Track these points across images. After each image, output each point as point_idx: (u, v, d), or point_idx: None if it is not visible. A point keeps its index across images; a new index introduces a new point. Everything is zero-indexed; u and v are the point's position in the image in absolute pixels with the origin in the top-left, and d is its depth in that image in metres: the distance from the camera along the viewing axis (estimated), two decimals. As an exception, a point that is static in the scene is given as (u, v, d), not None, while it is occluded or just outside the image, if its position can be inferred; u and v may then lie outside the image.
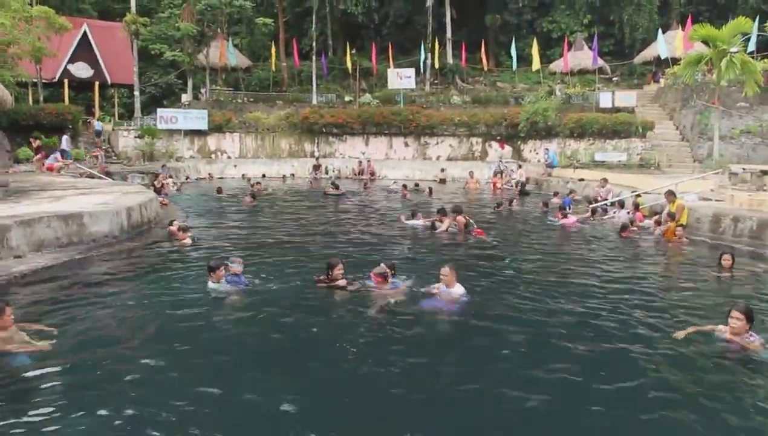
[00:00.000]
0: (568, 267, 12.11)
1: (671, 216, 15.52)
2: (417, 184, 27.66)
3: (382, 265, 9.69)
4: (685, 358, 6.94)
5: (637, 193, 20.03)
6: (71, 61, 39.08)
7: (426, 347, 7.45)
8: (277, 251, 13.30)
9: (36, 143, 29.53)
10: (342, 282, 9.45)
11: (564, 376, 6.42)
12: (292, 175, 34.92)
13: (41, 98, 36.81)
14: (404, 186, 26.33)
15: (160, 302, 9.01)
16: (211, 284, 9.51)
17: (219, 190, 25.22)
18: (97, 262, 11.63)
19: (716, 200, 17.76)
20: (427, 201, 23.93)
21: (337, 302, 9.14)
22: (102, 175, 26.22)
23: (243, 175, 33.65)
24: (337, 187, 25.05)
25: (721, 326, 7.31)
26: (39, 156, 27.96)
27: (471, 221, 15.76)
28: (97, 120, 38.30)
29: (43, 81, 36.92)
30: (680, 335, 7.40)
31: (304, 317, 8.41)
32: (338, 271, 9.50)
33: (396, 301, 9.08)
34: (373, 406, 5.92)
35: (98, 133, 36.39)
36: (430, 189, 26.38)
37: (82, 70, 39.73)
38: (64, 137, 31.84)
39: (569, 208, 19.66)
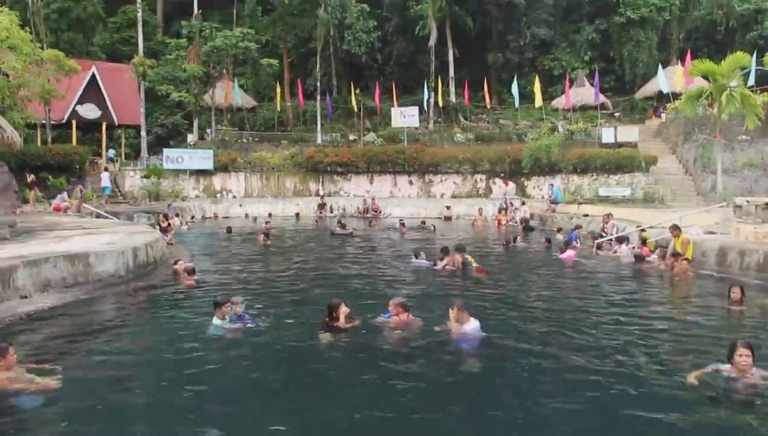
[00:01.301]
0: (574, 303, 12.06)
1: (676, 253, 15.48)
2: (423, 222, 27.69)
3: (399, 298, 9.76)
4: (694, 399, 6.86)
5: (642, 227, 20.02)
6: (80, 102, 39.52)
7: (440, 384, 7.40)
8: (283, 291, 13.29)
9: (30, 178, 28.82)
10: (342, 323, 9.39)
11: (573, 412, 6.40)
12: (297, 214, 34.98)
13: (49, 139, 37.20)
14: (401, 224, 26.37)
15: (165, 343, 9.02)
16: (215, 321, 9.53)
17: (229, 230, 25.01)
18: (103, 302, 11.66)
19: (722, 234, 17.74)
20: (430, 239, 23.91)
21: (344, 340, 9.12)
22: (107, 215, 26.36)
23: (246, 214, 33.76)
24: (344, 226, 25.01)
25: (721, 366, 7.11)
26: (32, 192, 27.70)
27: (470, 259, 15.63)
28: (105, 171, 38.47)
29: (52, 122, 37.34)
30: (691, 378, 7.14)
31: (310, 357, 8.41)
32: (341, 312, 9.46)
33: (408, 336, 9.09)
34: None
35: (111, 160, 36.71)
36: (434, 227, 26.40)
37: (90, 112, 40.16)
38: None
39: (577, 243, 19.66)
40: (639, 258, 16.46)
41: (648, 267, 16.07)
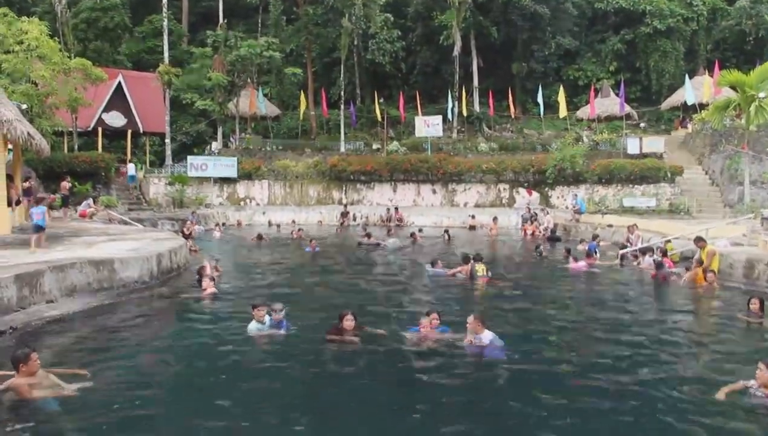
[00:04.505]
0: (597, 314, 11.95)
1: (700, 262, 15.30)
2: (446, 231, 27.59)
3: (433, 314, 9.81)
4: (718, 413, 6.74)
5: (667, 239, 19.79)
6: (106, 110, 40.01)
7: (457, 393, 7.36)
8: (309, 299, 13.31)
9: (27, 184, 24.46)
10: (346, 332, 9.43)
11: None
12: (320, 221, 35.06)
13: (76, 146, 37.66)
14: (412, 233, 26.36)
15: (189, 348, 9.06)
16: (252, 324, 9.71)
17: (259, 237, 25.13)
18: (127, 307, 11.76)
19: (749, 245, 17.48)
20: (446, 248, 23.89)
21: (363, 349, 9.10)
22: (132, 222, 26.59)
23: (270, 222, 33.89)
24: (369, 236, 24.94)
25: (752, 381, 7.04)
26: (26, 201, 22.98)
27: (478, 269, 15.74)
28: (129, 162, 39.13)
29: (78, 130, 37.80)
30: (720, 396, 7.04)
31: (326, 364, 8.41)
32: (347, 322, 9.49)
33: (427, 347, 9.10)
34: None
35: (132, 178, 37.11)
36: (448, 236, 26.28)
37: (116, 119, 40.63)
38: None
39: (596, 253, 19.50)
40: (659, 265, 16.23)
41: (673, 279, 15.85)
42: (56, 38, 33.34)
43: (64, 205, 27.05)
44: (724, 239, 18.48)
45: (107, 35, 48.07)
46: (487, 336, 9.14)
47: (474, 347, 9.02)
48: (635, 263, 18.55)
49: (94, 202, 29.67)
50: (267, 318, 9.80)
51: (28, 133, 18.32)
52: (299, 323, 10.29)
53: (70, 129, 36.53)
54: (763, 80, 25.64)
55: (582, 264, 17.83)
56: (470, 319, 9.25)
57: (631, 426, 6.38)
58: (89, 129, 39.74)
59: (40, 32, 29.47)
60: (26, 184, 25.85)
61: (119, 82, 40.04)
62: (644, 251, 18.55)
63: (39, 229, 15.15)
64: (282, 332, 9.70)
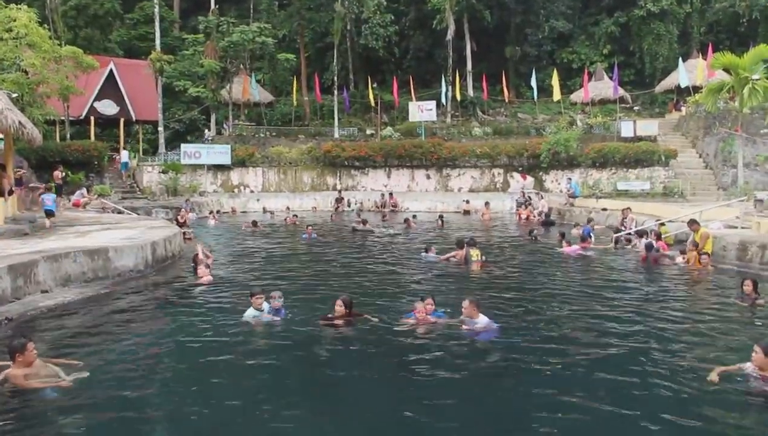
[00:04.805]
0: (592, 297, 11.99)
1: (695, 245, 15.38)
2: (441, 216, 27.61)
3: (427, 299, 9.84)
4: (713, 397, 6.76)
5: (660, 221, 19.84)
6: (98, 98, 39.78)
7: (453, 377, 7.39)
8: (303, 286, 13.30)
9: (18, 173, 23.34)
10: (338, 317, 9.51)
11: (586, 411, 6.36)
12: (314, 208, 35.03)
13: (68, 135, 37.48)
14: (406, 219, 26.55)
15: (185, 336, 9.06)
16: (249, 312, 9.74)
17: (254, 224, 25.16)
18: (123, 296, 11.75)
19: (742, 228, 17.55)
20: (439, 233, 24.00)
21: (359, 335, 9.13)
22: (126, 211, 26.53)
23: (264, 209, 33.83)
24: (364, 222, 24.94)
25: (748, 364, 7.07)
26: (18, 191, 22.05)
27: (473, 253, 15.91)
28: (123, 149, 39.15)
29: (70, 118, 37.61)
30: (713, 377, 7.05)
31: (326, 353, 8.44)
32: (338, 308, 9.55)
33: (422, 332, 9.14)
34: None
35: (125, 166, 37.01)
36: (441, 221, 26.32)
37: (108, 108, 40.42)
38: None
39: (591, 237, 19.57)
40: (649, 247, 16.30)
41: (666, 263, 15.90)
42: (46, 26, 33.04)
43: (58, 195, 26.94)
44: (717, 221, 18.56)
45: (97, 22, 47.74)
46: (482, 320, 9.21)
47: (469, 332, 9.07)
48: (630, 246, 18.63)
49: (88, 191, 29.58)
50: (266, 306, 9.81)
51: (20, 122, 18.16)
52: (296, 309, 10.31)
53: (62, 118, 36.37)
54: (756, 62, 25.61)
55: (575, 248, 17.91)
56: (465, 303, 9.31)
57: (624, 406, 6.41)
58: (81, 118, 39.56)
59: (29, 19, 29.20)
60: (18, 174, 25.54)
61: (111, 70, 39.80)
62: (641, 234, 18.59)
63: (50, 214, 17.33)
64: (279, 319, 9.72)
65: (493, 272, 15.07)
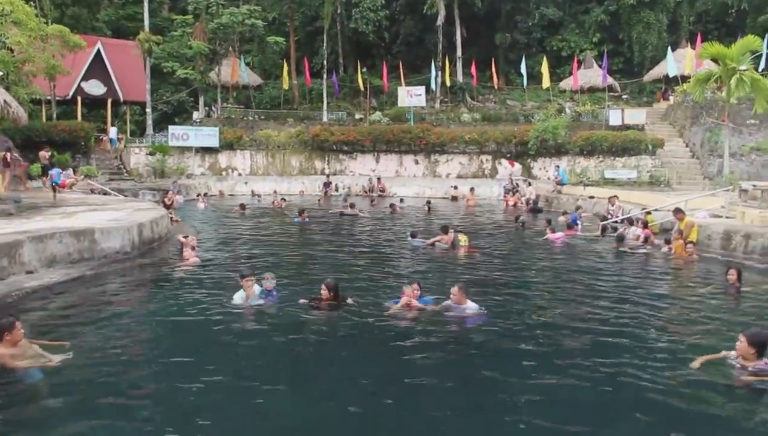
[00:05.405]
0: (576, 284, 12.08)
1: (680, 233, 15.51)
2: (428, 202, 27.64)
3: (414, 284, 9.83)
4: (696, 384, 6.83)
5: (646, 210, 19.97)
6: (85, 78, 39.43)
7: (441, 364, 7.44)
8: (291, 270, 13.31)
9: (8, 155, 22.74)
10: (324, 305, 9.53)
11: (572, 398, 6.43)
12: (301, 192, 34.96)
13: (54, 115, 37.16)
14: (391, 204, 26.60)
15: (171, 318, 9.07)
16: (238, 294, 9.73)
17: (242, 207, 25.07)
18: (109, 278, 11.72)
19: (727, 217, 17.70)
20: (426, 219, 24.14)
21: (343, 319, 9.17)
22: (112, 192, 26.39)
23: (252, 192, 33.75)
24: (352, 206, 24.94)
25: (732, 352, 7.10)
26: (5, 171, 21.95)
27: (461, 238, 16.00)
28: (112, 126, 39.18)
29: (57, 98, 37.29)
30: (696, 364, 7.14)
31: (312, 335, 8.48)
32: (323, 292, 9.57)
33: (410, 317, 9.18)
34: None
35: (113, 142, 36.90)
36: (429, 206, 26.40)
37: (95, 88, 40.08)
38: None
39: (578, 224, 19.70)
40: (620, 239, 16.59)
41: (640, 254, 16.03)
42: (32, 3, 32.63)
43: (44, 175, 26.75)
44: (702, 210, 18.68)
45: (85, 1, 47.26)
46: (470, 306, 9.27)
47: (456, 317, 9.12)
48: (616, 234, 18.74)
49: (74, 172, 29.38)
50: (257, 288, 9.80)
51: (5, 101, 17.96)
52: (284, 292, 10.31)
53: (48, 97, 36.06)
54: (743, 53, 25.78)
55: (560, 235, 18.03)
56: (455, 290, 9.33)
57: (606, 392, 6.51)
58: (68, 97, 39.22)
59: (15, -4, 28.84)
60: (6, 156, 25.42)
61: (98, 50, 39.42)
62: (630, 222, 18.72)
63: (56, 186, 21.89)
64: (265, 301, 9.71)
65: (479, 257, 15.14)
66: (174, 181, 32.37)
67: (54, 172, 23.42)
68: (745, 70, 25.33)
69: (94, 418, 5.68)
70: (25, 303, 9.58)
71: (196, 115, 44.23)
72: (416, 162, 38.71)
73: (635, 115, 37.50)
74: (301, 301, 9.66)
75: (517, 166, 36.87)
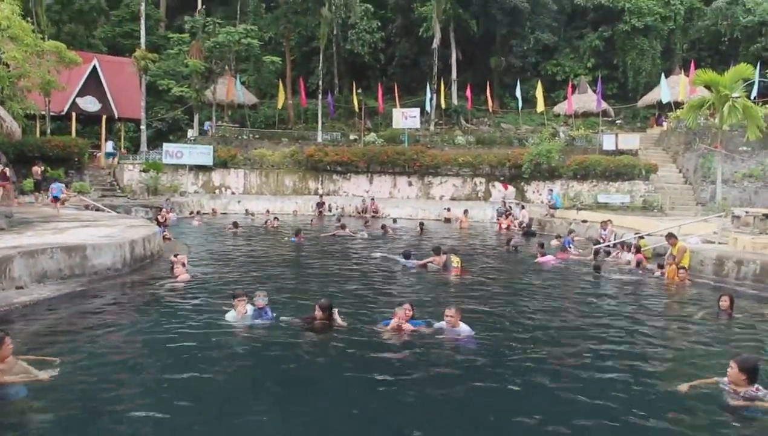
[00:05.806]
0: (568, 310, 12.04)
1: (673, 258, 15.53)
2: (421, 224, 27.64)
3: (406, 305, 9.73)
4: (686, 410, 6.79)
5: (639, 235, 20.01)
6: (80, 94, 39.36)
7: (432, 383, 7.39)
8: (281, 289, 13.24)
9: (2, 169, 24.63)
10: (318, 324, 9.48)
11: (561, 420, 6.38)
12: (295, 212, 34.88)
13: (48, 131, 37.08)
14: (383, 226, 26.66)
15: (161, 336, 8.98)
16: (230, 314, 9.67)
17: (235, 225, 24.90)
18: (99, 294, 11.62)
19: (719, 243, 17.74)
20: (419, 240, 24.05)
21: (336, 340, 9.10)
22: (105, 208, 26.28)
23: (246, 211, 33.66)
24: (344, 227, 24.90)
25: (724, 378, 7.04)
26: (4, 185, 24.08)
27: (453, 260, 15.92)
28: (108, 140, 39.17)
29: (51, 114, 37.20)
30: (684, 387, 7.14)
31: (304, 355, 8.40)
32: (317, 312, 9.56)
33: (402, 339, 9.12)
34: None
35: (109, 155, 36.93)
36: (422, 228, 26.40)
37: (90, 104, 40.01)
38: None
39: (571, 248, 19.73)
40: (597, 268, 16.54)
41: (644, 274, 16.04)
42: (29, 19, 32.63)
43: (37, 191, 26.66)
44: (695, 236, 18.74)
45: (82, 18, 47.38)
46: (463, 329, 9.23)
47: (448, 339, 9.06)
48: (609, 258, 18.75)
49: (67, 188, 29.26)
50: (249, 308, 9.72)
51: (-1, 116, 17.98)
52: (277, 309, 10.23)
53: (43, 112, 35.97)
54: (736, 81, 26.03)
55: (550, 258, 18.03)
56: (451, 311, 9.31)
57: (594, 414, 6.47)
58: (62, 113, 39.11)
59: (12, 12, 28.76)
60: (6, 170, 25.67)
61: (94, 67, 39.38)
62: (624, 246, 18.76)
63: (57, 199, 23.61)
64: (258, 320, 9.64)
65: (470, 279, 15.11)
66: (167, 198, 32.25)
67: (55, 186, 24.55)
68: (737, 98, 25.54)
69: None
70: (14, 318, 9.48)
71: (190, 132, 44.25)
72: (410, 184, 38.77)
73: (629, 141, 37.74)
74: (296, 320, 9.58)
75: (511, 189, 36.95)
